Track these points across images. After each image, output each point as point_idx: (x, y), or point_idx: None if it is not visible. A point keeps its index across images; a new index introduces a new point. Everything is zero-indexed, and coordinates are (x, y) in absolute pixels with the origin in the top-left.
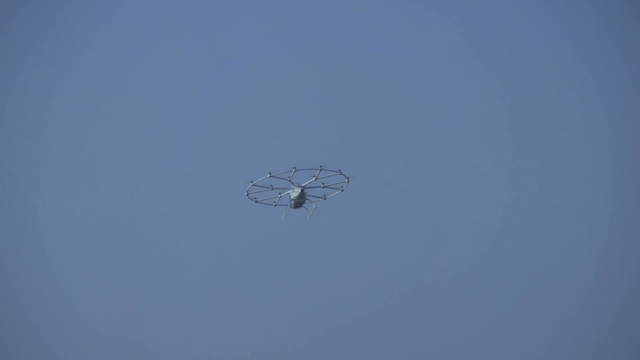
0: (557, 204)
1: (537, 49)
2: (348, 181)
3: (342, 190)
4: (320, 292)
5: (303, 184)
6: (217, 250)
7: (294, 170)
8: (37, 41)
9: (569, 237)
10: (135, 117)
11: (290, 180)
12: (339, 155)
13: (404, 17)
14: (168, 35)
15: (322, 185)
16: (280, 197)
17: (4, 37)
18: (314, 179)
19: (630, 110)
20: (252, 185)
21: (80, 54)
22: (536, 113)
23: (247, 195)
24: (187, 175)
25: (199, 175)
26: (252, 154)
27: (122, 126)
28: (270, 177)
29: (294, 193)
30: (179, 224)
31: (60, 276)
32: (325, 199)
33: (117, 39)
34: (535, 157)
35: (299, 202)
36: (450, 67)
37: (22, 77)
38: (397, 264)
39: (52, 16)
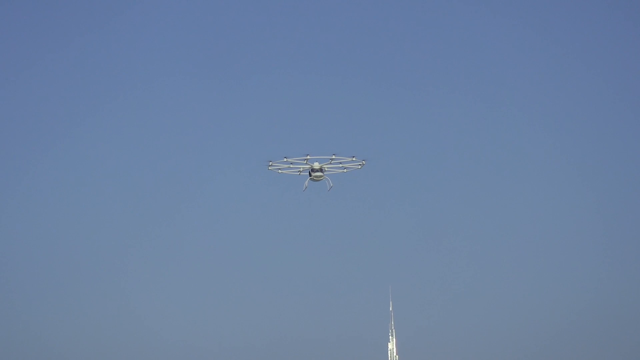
0: None
1: None
2: (364, 163)
3: (360, 167)
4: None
5: (321, 164)
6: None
7: (307, 156)
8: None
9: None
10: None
11: (307, 161)
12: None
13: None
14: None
15: (342, 168)
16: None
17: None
18: (330, 161)
19: None
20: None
21: (79, 52)
22: None
23: (270, 167)
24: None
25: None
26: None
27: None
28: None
29: (315, 166)
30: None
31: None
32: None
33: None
34: None
35: (318, 176)
36: None
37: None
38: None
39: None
